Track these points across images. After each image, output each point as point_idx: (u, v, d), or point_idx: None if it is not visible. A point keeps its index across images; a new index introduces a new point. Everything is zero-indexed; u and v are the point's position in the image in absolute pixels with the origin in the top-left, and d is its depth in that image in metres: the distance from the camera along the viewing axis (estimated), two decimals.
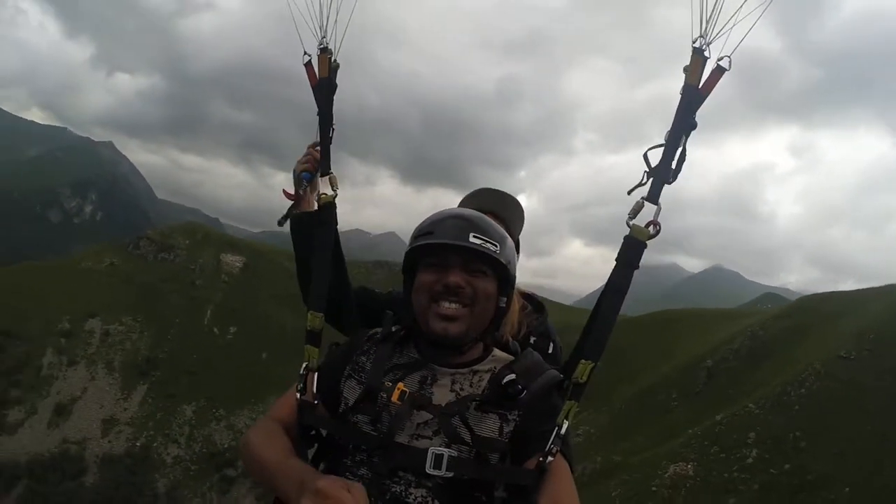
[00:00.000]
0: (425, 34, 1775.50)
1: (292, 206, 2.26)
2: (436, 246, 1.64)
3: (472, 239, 1.62)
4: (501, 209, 2.48)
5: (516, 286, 2.08)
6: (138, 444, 66.05)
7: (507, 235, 1.74)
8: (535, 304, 2.54)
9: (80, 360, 70.57)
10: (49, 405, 65.95)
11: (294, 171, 2.30)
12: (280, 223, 2.29)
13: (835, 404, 25.50)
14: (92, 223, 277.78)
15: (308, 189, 2.26)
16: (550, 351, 2.31)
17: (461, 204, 2.52)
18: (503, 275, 1.69)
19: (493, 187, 2.62)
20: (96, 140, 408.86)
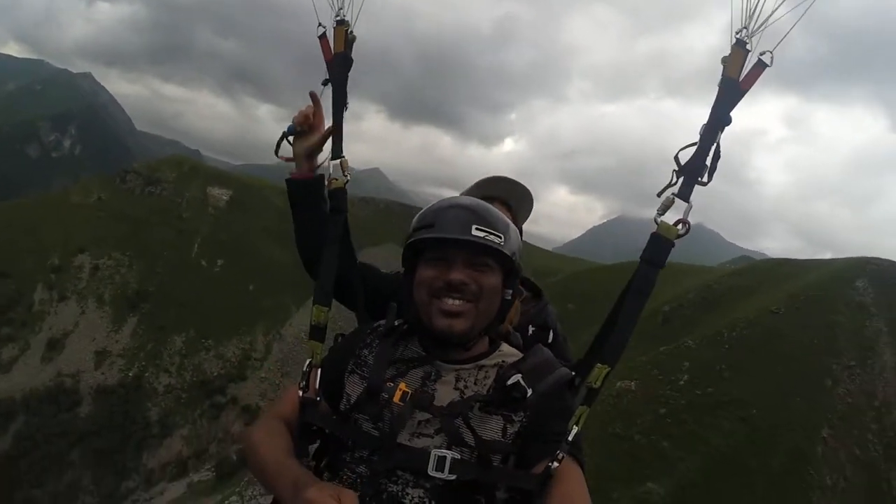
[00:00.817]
0: None
1: (280, 139, 2.17)
2: (438, 240, 1.59)
3: (474, 232, 1.57)
4: (509, 196, 2.45)
5: None
6: (130, 374, 68.31)
7: (511, 223, 1.70)
8: (532, 289, 2.48)
9: (71, 295, 72.79)
10: (41, 340, 68.42)
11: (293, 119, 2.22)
12: (276, 151, 2.24)
13: (757, 347, 29.98)
14: (71, 157, 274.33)
15: (293, 141, 2.17)
16: (550, 341, 2.23)
17: (469, 191, 2.44)
18: (508, 266, 1.65)
19: (503, 175, 2.52)
20: (75, 72, 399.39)
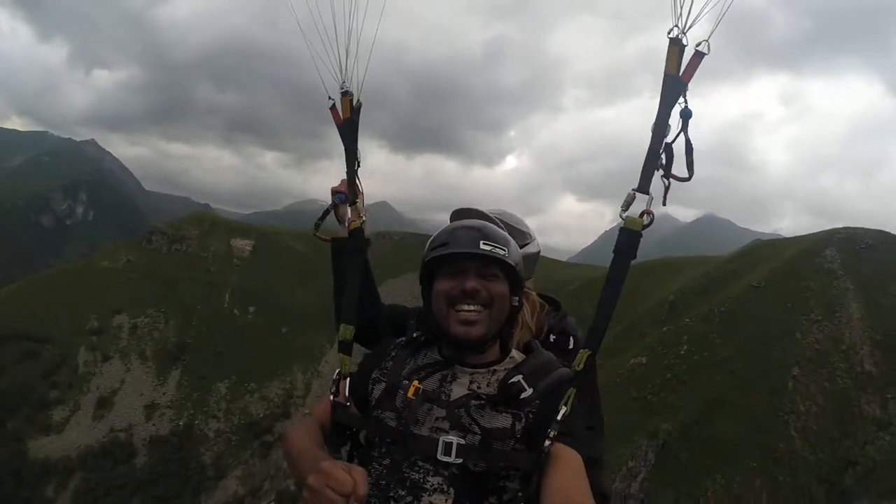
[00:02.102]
0: (410, 1, 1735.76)
1: (326, 211, 2.50)
2: (451, 255, 1.84)
3: (482, 246, 1.82)
4: (505, 217, 2.73)
5: (534, 290, 2.62)
6: (181, 423, 72.88)
7: (511, 238, 1.96)
8: (552, 303, 2.71)
9: (114, 354, 77.19)
10: (91, 400, 72.47)
11: (332, 191, 2.51)
12: (316, 227, 2.58)
13: (741, 316, 38.79)
14: (85, 223, 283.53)
15: (339, 206, 2.47)
16: (571, 346, 2.46)
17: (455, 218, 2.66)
18: (513, 275, 1.88)
19: (475, 208, 2.73)
20: (79, 140, 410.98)
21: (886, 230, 43.42)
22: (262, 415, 76.00)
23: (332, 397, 2.00)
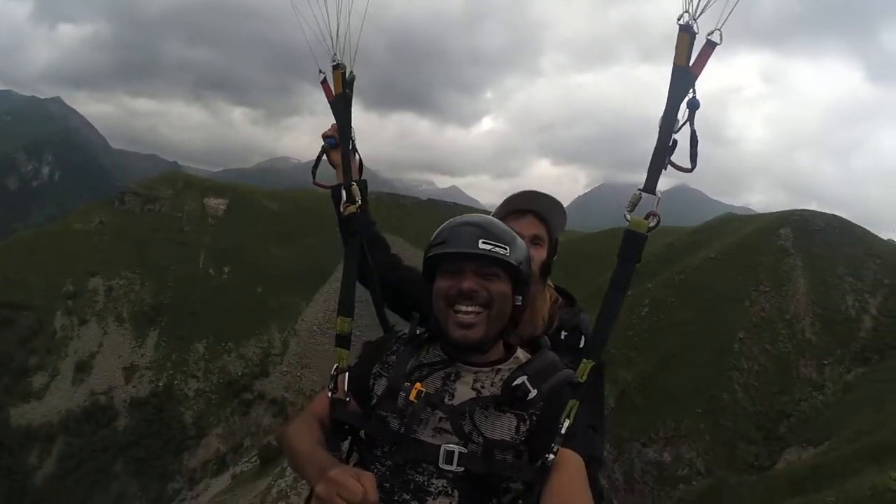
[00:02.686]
0: None
1: (318, 158, 2.41)
2: (450, 254, 1.81)
3: (481, 245, 1.77)
4: (541, 209, 2.58)
5: (549, 282, 2.53)
6: (160, 384, 74.38)
7: (518, 237, 1.90)
8: (567, 297, 2.69)
9: (91, 317, 78.09)
10: (69, 364, 73.37)
11: (322, 136, 2.43)
12: (313, 175, 2.48)
13: (697, 284, 43.52)
14: (51, 184, 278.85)
15: (330, 152, 2.43)
16: (582, 345, 2.42)
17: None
18: (516, 275, 1.83)
19: (534, 190, 2.62)
20: (43, 98, 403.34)
21: (841, 215, 47.69)
22: (240, 373, 77.76)
23: (330, 394, 1.98)
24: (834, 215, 47.98)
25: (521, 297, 1.87)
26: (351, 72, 2.19)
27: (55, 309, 77.45)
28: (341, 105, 2.24)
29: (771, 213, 52.89)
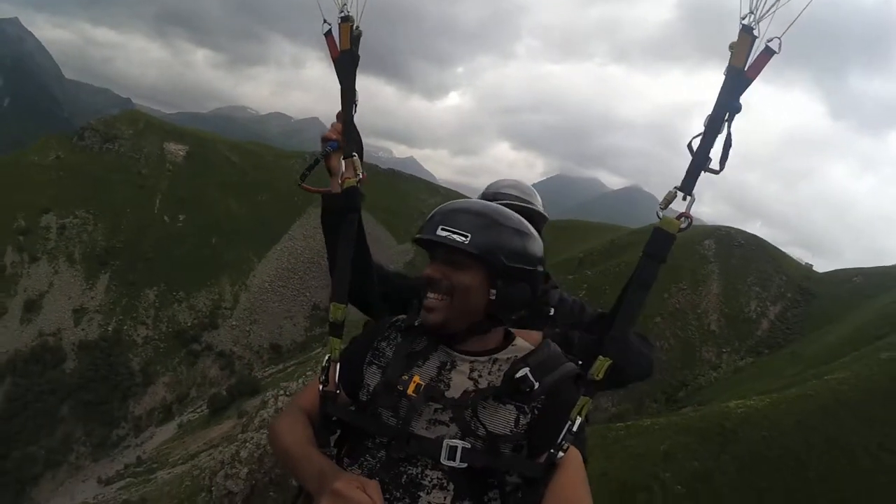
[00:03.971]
0: None
1: (315, 161, 2.26)
2: (419, 240, 1.89)
3: (439, 232, 1.81)
4: (521, 185, 2.87)
5: None
6: (110, 329, 78.08)
7: (501, 223, 1.86)
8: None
9: (42, 255, 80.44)
10: (18, 303, 75.90)
11: (322, 139, 2.26)
12: (302, 178, 2.32)
13: (628, 274, 50.25)
14: (0, 109, 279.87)
15: (331, 156, 2.23)
16: (552, 314, 2.63)
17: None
18: (488, 264, 1.81)
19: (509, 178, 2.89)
20: (0, 17, 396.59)
21: (757, 235, 58.05)
22: (189, 324, 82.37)
23: (321, 387, 1.93)
24: (754, 235, 57.99)
25: (495, 291, 1.83)
26: (358, 27, 2.02)
27: (5, 244, 79.48)
28: (347, 62, 2.04)
29: (700, 227, 61.50)
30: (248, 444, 41.12)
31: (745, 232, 58.24)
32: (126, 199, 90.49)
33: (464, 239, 1.80)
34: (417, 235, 1.90)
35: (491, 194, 2.83)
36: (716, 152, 1.70)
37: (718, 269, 52.02)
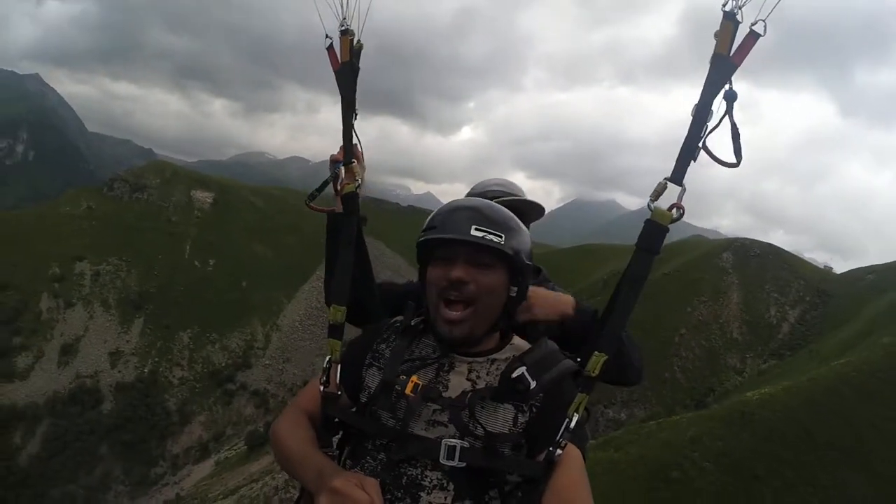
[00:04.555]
0: None
1: (325, 182, 2.32)
2: (442, 240, 1.82)
3: (473, 232, 1.77)
4: (505, 182, 2.87)
5: None
6: (146, 370, 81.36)
7: (515, 222, 1.90)
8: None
9: (77, 301, 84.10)
10: (55, 346, 78.97)
11: (331, 160, 2.31)
12: (310, 198, 2.39)
13: (651, 294, 53.92)
14: (25, 163, 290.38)
15: (340, 177, 2.25)
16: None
17: (469, 193, 2.80)
18: (513, 264, 1.84)
19: (507, 179, 2.87)
20: (21, 73, 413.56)
21: (773, 243, 62.29)
22: (223, 364, 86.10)
23: (322, 388, 1.97)
24: (769, 244, 62.14)
25: (516, 288, 1.88)
26: (359, 41, 2.11)
27: (41, 290, 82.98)
28: (347, 73, 2.11)
29: (718, 240, 67.92)
30: None
31: (760, 242, 62.35)
32: (157, 246, 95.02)
33: (499, 239, 1.80)
34: (443, 235, 1.84)
35: (479, 193, 2.82)
36: (723, 155, 1.72)
37: (737, 280, 56.09)
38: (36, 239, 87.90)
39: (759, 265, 57.94)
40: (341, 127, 2.19)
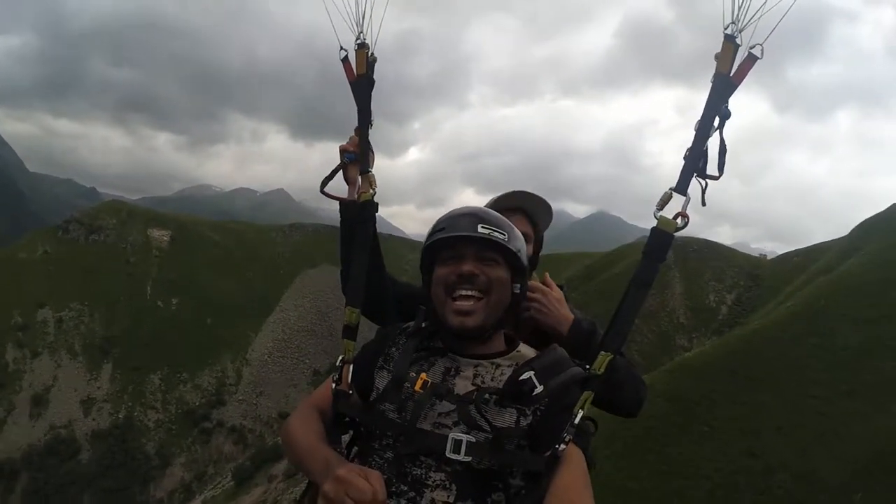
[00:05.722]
0: None
1: (334, 171, 2.55)
2: (450, 239, 2.01)
3: (480, 229, 1.97)
4: (527, 206, 2.97)
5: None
6: (120, 416, 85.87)
7: (515, 228, 2.10)
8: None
9: (42, 350, 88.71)
10: (25, 398, 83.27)
11: (340, 150, 2.56)
12: (323, 184, 2.59)
13: (606, 290, 61.43)
14: None
15: (349, 167, 2.55)
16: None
17: (489, 204, 2.88)
18: (514, 263, 2.03)
19: (521, 190, 2.98)
20: None
21: (711, 240, 73.96)
22: (197, 403, 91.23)
23: (334, 385, 2.13)
24: (706, 240, 73.38)
25: (519, 286, 2.06)
26: (373, 54, 2.33)
27: (5, 341, 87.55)
28: (364, 85, 2.35)
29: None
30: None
31: (698, 239, 72.92)
32: (118, 288, 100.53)
33: (503, 237, 2.00)
34: (453, 234, 2.02)
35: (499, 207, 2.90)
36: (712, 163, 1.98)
37: (679, 274, 66.70)
38: None
39: (697, 259, 67.90)
40: (356, 135, 2.48)
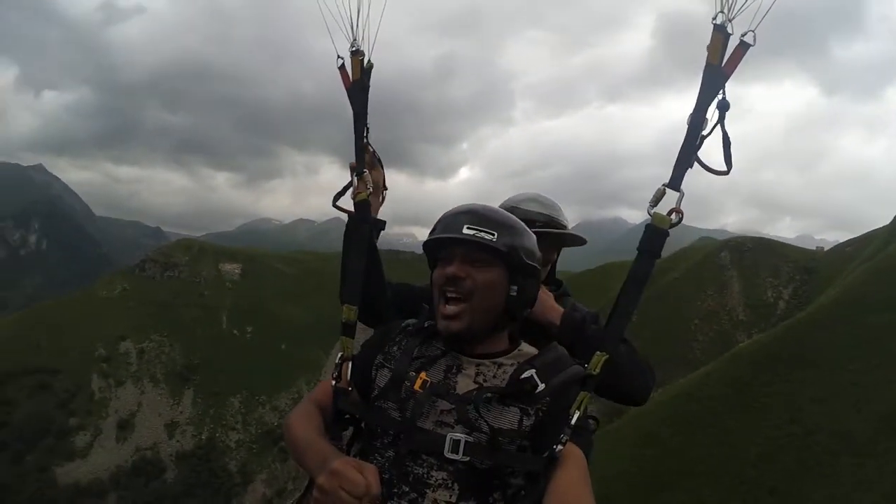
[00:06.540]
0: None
1: (343, 189, 2.53)
2: (441, 241, 2.07)
3: (465, 230, 1.99)
4: (541, 198, 3.10)
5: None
6: (203, 437, 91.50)
7: (513, 223, 2.12)
8: (552, 281, 3.11)
9: (126, 378, 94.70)
10: (111, 423, 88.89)
11: (350, 166, 2.53)
12: (335, 199, 2.54)
13: (663, 295, 70.09)
14: (39, 252, 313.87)
15: (359, 182, 2.49)
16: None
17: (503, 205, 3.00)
18: (511, 262, 2.02)
19: (522, 207, 3.04)
20: (25, 165, 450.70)
21: (765, 236, 78.28)
22: (276, 423, 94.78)
23: (333, 382, 2.17)
24: (760, 238, 78.74)
25: (516, 287, 2.06)
26: (369, 60, 2.37)
27: (91, 372, 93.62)
28: (358, 90, 2.38)
29: (714, 241, 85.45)
30: None
31: (752, 237, 78.25)
32: (194, 320, 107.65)
33: (491, 237, 2.00)
34: (438, 235, 2.09)
35: (509, 208, 2.99)
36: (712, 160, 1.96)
37: (736, 273, 71.72)
38: (78, 324, 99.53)
39: (752, 257, 73.04)
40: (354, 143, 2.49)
